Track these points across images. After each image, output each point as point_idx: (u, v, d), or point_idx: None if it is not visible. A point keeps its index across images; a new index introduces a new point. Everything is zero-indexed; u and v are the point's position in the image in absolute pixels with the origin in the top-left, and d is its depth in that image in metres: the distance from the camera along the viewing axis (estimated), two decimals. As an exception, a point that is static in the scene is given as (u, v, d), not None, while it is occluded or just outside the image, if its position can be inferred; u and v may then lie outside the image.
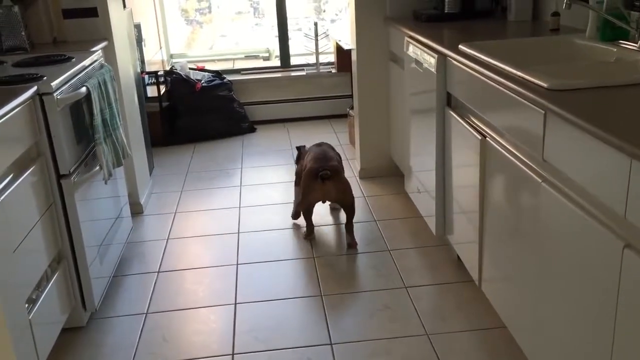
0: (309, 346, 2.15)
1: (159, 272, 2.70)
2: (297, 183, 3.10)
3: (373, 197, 3.34)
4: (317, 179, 2.74)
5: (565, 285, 1.53)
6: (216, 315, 2.37)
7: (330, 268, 2.62)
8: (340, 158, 3.08)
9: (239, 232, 3.02)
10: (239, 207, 3.32)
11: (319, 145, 3.08)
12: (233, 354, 2.13)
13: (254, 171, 3.85)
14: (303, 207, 2.86)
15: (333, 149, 3.11)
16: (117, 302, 2.48)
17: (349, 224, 2.84)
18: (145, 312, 2.40)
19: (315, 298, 2.42)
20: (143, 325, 2.32)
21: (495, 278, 2.07)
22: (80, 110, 2.31)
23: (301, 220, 3.02)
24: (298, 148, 3.23)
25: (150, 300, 2.48)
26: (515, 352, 1.94)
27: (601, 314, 1.36)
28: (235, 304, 2.42)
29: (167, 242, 2.98)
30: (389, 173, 3.56)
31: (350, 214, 2.83)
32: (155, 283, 2.60)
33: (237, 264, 2.72)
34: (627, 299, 1.27)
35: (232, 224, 3.12)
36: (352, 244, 2.80)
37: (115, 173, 2.60)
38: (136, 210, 3.21)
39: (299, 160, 3.17)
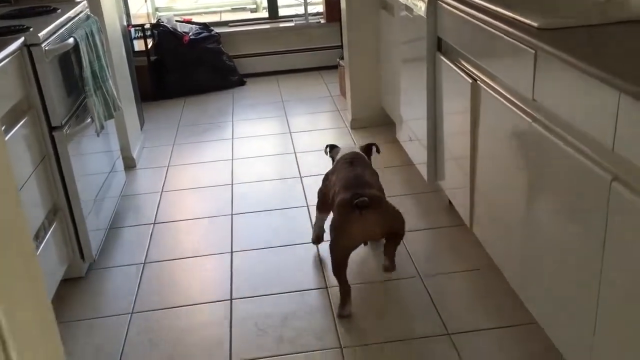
0: (306, 290, 2.20)
1: (154, 223, 2.72)
2: (319, 207, 2.41)
3: (365, 146, 3.36)
4: (354, 210, 1.97)
5: (554, 221, 1.57)
6: (213, 263, 2.41)
7: (324, 216, 2.65)
8: (378, 178, 2.28)
9: (232, 184, 3.04)
10: (232, 159, 3.33)
11: (351, 162, 2.24)
12: (231, 299, 2.18)
13: (245, 124, 3.85)
14: (339, 254, 2.04)
15: (368, 164, 2.33)
16: (115, 253, 2.51)
17: (393, 249, 2.16)
18: (143, 261, 2.44)
19: (309, 245, 2.46)
20: (141, 274, 2.36)
21: (486, 219, 2.11)
22: (69, 62, 2.29)
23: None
24: (330, 148, 2.46)
25: (148, 250, 2.51)
26: (506, 289, 2.00)
27: (589, 248, 1.40)
28: (232, 252, 2.46)
29: (161, 194, 2.99)
30: (380, 122, 3.56)
31: (399, 240, 2.18)
32: (151, 234, 2.64)
33: (232, 214, 2.75)
34: (614, 232, 1.31)
35: (226, 175, 3.14)
36: (389, 268, 2.16)
37: (107, 127, 2.59)
38: (129, 164, 3.21)
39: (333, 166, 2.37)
